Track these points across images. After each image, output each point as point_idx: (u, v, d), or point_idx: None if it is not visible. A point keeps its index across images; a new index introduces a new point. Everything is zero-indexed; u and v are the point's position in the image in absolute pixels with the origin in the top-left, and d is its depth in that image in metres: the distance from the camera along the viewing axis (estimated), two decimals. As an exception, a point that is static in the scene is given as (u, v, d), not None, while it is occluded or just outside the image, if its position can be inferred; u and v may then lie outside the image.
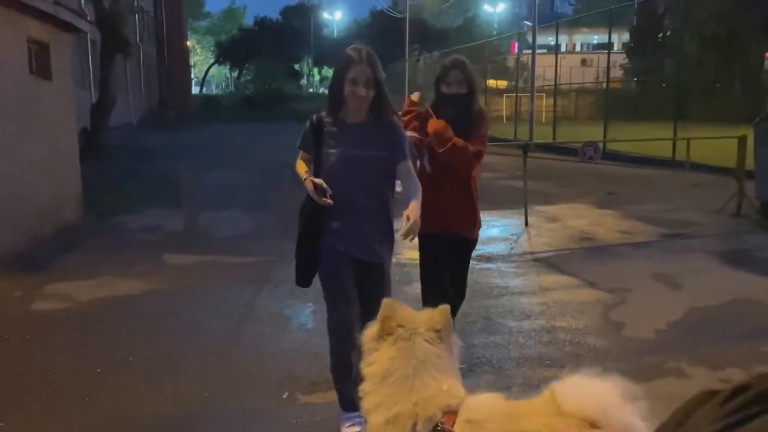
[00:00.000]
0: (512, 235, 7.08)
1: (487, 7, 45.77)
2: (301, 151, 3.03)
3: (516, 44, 27.82)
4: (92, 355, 3.92)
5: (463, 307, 3.84)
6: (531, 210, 7.78)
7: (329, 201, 2.80)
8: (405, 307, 2.07)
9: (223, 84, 63.70)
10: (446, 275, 3.54)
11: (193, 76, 46.69)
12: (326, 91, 3.43)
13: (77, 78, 12.84)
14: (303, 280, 3.02)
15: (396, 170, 2.93)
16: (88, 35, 14.11)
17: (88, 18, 10.56)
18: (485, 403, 1.91)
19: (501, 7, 45.80)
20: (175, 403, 3.35)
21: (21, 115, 6.40)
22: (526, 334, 4.23)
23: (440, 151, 3.40)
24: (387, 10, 39.20)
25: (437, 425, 1.81)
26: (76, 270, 5.74)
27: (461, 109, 3.46)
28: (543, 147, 14.66)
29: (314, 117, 2.99)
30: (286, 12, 47.68)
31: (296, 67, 48.15)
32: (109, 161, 13.20)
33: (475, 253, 3.92)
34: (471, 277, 4.01)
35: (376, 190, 2.93)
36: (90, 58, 17.87)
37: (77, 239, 6.95)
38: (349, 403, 2.80)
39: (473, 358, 3.78)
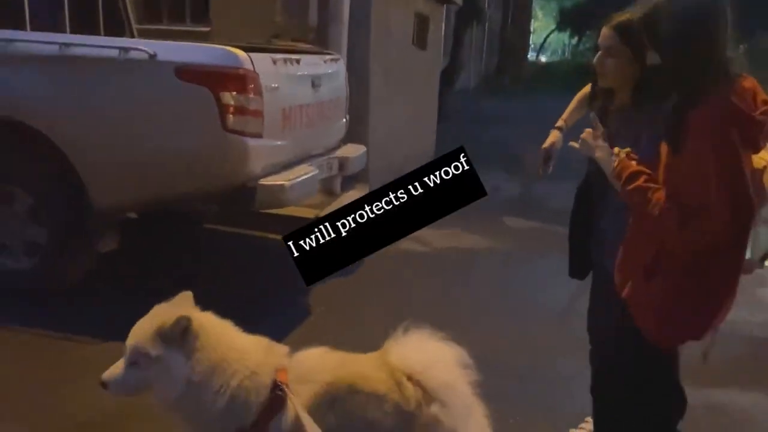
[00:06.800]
0: None
1: None
2: None
3: None
4: (443, 295, 4.61)
5: None
6: None
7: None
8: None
9: (559, 51, 62.93)
10: None
11: (531, 42, 47.06)
12: None
13: (435, 45, 14.13)
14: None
15: None
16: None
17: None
18: (310, 357, 1.95)
19: None
20: (517, 355, 3.77)
21: (399, 80, 7.47)
22: None
23: None
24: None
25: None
26: (430, 219, 6.62)
27: None
28: None
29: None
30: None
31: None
32: (450, 124, 14.40)
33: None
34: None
35: None
36: (443, 26, 19.37)
37: (429, 192, 7.93)
38: None
39: None
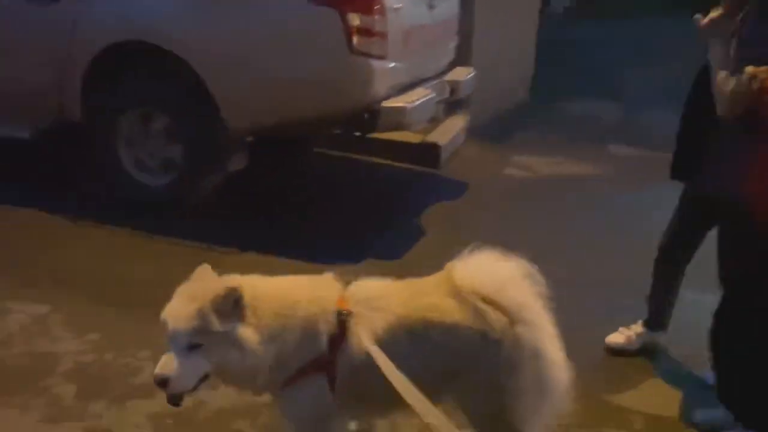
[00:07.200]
0: None
1: None
2: None
3: None
4: (545, 219, 4.65)
5: None
6: None
7: None
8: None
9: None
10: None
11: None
12: None
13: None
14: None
15: None
16: None
17: None
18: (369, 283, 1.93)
19: None
20: (611, 276, 3.80)
21: (505, 4, 7.27)
22: None
23: None
24: None
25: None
26: (532, 146, 6.56)
27: None
28: None
29: None
30: None
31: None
32: (546, 47, 13.88)
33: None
34: None
35: None
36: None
37: (528, 119, 7.80)
38: None
39: None
